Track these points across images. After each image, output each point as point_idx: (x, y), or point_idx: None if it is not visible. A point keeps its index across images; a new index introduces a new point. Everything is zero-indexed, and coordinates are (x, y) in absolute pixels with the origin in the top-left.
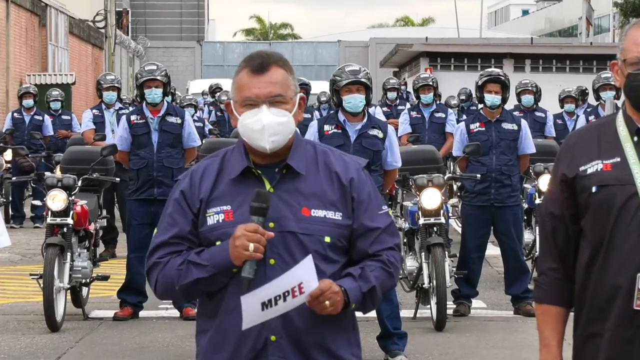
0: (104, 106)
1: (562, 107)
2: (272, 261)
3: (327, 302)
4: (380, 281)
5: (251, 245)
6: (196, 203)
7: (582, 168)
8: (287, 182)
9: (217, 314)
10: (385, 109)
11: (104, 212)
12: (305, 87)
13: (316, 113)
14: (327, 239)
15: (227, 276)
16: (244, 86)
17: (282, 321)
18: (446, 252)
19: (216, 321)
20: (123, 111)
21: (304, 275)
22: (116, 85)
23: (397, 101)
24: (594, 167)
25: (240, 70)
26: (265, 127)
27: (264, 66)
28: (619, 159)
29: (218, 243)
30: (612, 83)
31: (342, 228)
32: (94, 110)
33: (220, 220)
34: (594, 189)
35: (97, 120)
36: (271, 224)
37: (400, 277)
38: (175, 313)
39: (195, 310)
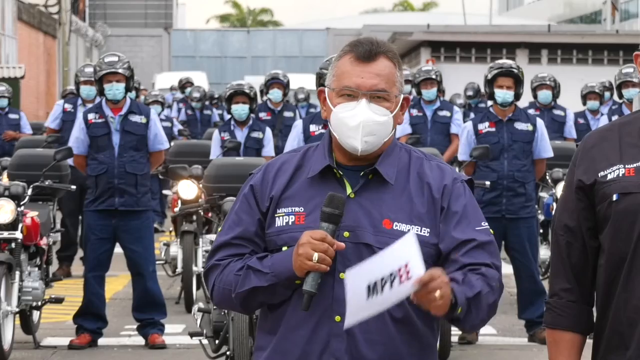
0: (80, 101)
1: (584, 104)
2: (342, 275)
3: (437, 293)
4: (485, 292)
5: (315, 255)
6: (265, 201)
7: (601, 173)
8: (371, 189)
9: (277, 330)
10: None
11: (58, 225)
12: (280, 82)
13: (302, 112)
14: None
15: (289, 288)
16: (344, 73)
17: (346, 344)
18: None
19: (275, 339)
20: None
21: (408, 255)
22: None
23: (411, 96)
24: (614, 172)
25: (342, 56)
26: (362, 124)
27: (372, 54)
28: None
29: (285, 249)
30: (635, 79)
31: (428, 246)
32: (66, 105)
33: (290, 223)
34: (614, 198)
35: (68, 117)
36: (346, 234)
37: None
38: (140, 340)
39: (162, 337)
